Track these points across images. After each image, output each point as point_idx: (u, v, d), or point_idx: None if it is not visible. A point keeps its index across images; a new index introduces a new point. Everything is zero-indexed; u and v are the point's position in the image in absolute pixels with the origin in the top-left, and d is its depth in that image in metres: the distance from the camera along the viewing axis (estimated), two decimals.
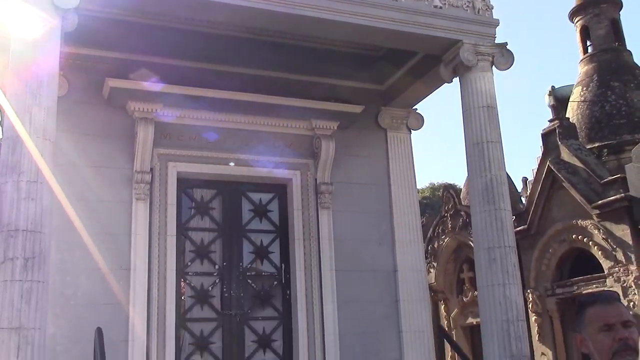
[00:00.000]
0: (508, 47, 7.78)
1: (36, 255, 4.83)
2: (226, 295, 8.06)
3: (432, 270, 15.01)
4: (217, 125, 8.21)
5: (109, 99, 7.67)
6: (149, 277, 7.46)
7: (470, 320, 14.60)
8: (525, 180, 17.36)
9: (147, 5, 7.02)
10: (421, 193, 27.92)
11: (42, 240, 4.91)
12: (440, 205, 18.25)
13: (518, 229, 11.97)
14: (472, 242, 13.65)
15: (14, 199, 4.91)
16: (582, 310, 2.57)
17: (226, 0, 6.68)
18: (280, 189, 8.64)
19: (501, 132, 7.63)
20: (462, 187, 17.93)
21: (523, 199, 15.46)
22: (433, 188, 32.59)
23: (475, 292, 13.71)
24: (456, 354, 13.48)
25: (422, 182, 33.94)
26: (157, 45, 7.97)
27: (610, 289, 10.85)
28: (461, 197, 15.41)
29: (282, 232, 8.53)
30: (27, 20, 5.74)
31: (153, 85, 7.60)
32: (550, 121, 13.55)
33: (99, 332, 5.43)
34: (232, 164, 8.21)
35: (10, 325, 4.57)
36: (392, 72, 9.11)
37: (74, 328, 6.97)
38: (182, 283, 7.90)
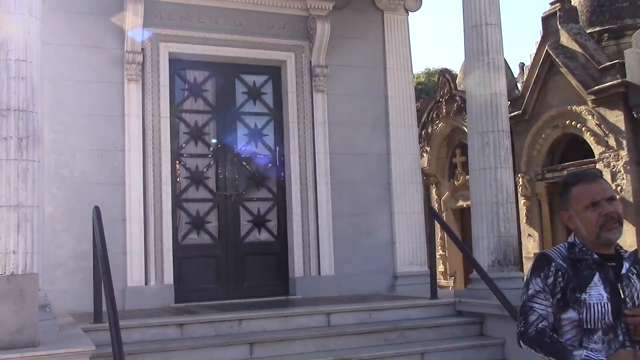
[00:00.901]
0: None
1: (29, 134, 4.81)
2: (221, 176, 8.16)
3: (425, 154, 15.14)
4: (209, 4, 7.97)
5: None
6: (144, 158, 7.51)
7: (460, 203, 14.93)
8: (522, 66, 17.13)
9: None
10: (416, 78, 27.65)
11: (34, 120, 4.87)
12: (435, 91, 18.11)
13: (512, 114, 11.95)
14: (465, 127, 13.71)
15: (4, 77, 4.81)
16: (567, 190, 2.63)
17: None
18: (274, 72, 8.53)
19: (501, 15, 7.44)
20: (457, 72, 17.70)
21: (519, 85, 15.34)
22: (428, 73, 32.21)
23: (467, 177, 13.94)
24: (445, 234, 13.90)
25: (418, 67, 33.49)
26: None
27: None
28: (457, 82, 15.25)
29: (277, 115, 8.51)
30: None
31: None
32: (551, 4, 13.17)
33: (97, 210, 5.53)
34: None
35: (8, 203, 4.63)
36: None
37: (72, 207, 7.11)
38: (177, 164, 7.97)
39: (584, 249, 2.55)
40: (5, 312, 3.58)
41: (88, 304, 5.97)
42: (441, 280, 14.30)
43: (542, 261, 2.58)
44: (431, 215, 7.73)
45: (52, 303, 5.36)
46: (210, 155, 8.19)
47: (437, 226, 8.73)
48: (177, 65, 8.00)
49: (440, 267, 14.78)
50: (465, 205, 14.58)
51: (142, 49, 7.58)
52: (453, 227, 13.84)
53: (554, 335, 2.49)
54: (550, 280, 2.51)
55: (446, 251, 15.10)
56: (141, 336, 5.73)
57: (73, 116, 7.21)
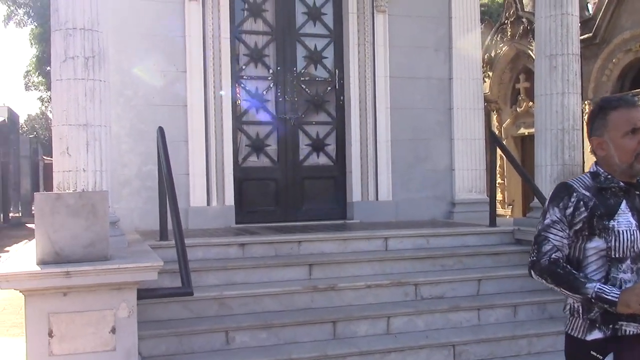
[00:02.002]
0: None
1: (95, 54, 4.87)
2: (280, 99, 8.13)
3: (486, 79, 14.72)
4: None
5: None
6: (205, 79, 7.52)
7: (522, 130, 14.58)
8: None
9: None
10: None
11: (99, 39, 4.92)
12: (500, 13, 17.36)
13: (582, 37, 11.39)
14: (531, 51, 13.21)
15: None
16: (604, 113, 2.50)
17: None
18: None
19: None
20: None
21: (590, 6, 14.57)
22: None
23: (530, 103, 13.55)
24: (505, 162, 13.67)
25: None
26: None
27: None
28: (524, 3, 14.58)
29: (337, 36, 8.34)
30: None
31: None
32: None
33: (161, 131, 5.61)
34: None
35: (77, 121, 4.74)
36: None
37: (136, 128, 7.25)
38: (237, 87, 7.97)
39: (609, 177, 2.47)
40: (78, 227, 3.72)
41: (153, 222, 6.17)
42: (499, 209, 14.18)
43: (562, 191, 2.48)
44: (492, 142, 7.56)
45: (119, 220, 5.56)
46: (270, 78, 8.14)
47: (497, 154, 8.54)
48: None
49: (498, 196, 14.63)
50: (527, 133, 14.24)
51: None
52: (514, 155, 13.58)
53: (567, 266, 2.43)
54: (569, 210, 2.43)
55: (505, 179, 14.89)
56: (204, 254, 5.91)
57: (136, 37, 7.23)
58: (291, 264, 5.86)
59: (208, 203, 7.53)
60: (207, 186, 7.52)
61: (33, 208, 15.41)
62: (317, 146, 8.30)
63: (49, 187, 23.85)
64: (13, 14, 25.06)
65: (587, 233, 2.42)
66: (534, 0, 7.93)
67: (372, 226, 7.35)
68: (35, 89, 28.71)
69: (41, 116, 48.79)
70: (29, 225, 22.36)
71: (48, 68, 24.05)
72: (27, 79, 28.38)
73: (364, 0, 8.20)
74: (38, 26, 24.37)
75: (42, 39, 23.60)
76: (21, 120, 38.68)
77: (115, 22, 6.87)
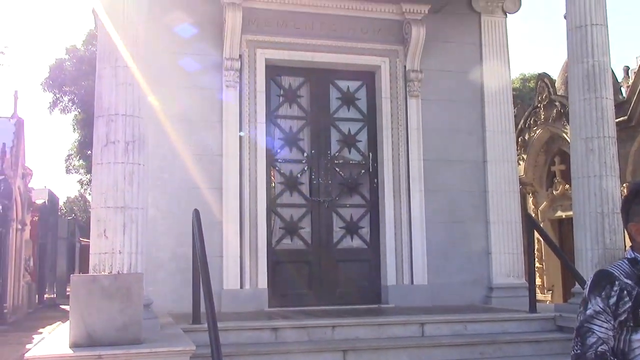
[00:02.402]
0: None
1: (135, 138, 5.01)
2: (315, 182, 8.19)
3: (521, 162, 14.64)
4: (305, 11, 8.04)
5: None
6: (240, 163, 7.65)
7: (559, 213, 14.34)
8: (627, 69, 16.33)
9: None
10: (511, 84, 26.80)
11: (140, 125, 5.07)
12: (532, 97, 17.50)
13: (617, 120, 11.33)
14: (566, 133, 13.17)
15: (113, 84, 5.04)
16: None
17: None
18: (368, 77, 8.49)
19: (607, 15, 7.09)
20: (555, 77, 17.04)
21: (623, 90, 14.59)
22: (523, 79, 31.20)
23: (567, 186, 13.38)
24: (543, 246, 13.38)
25: (512, 72, 32.41)
26: None
27: None
28: (556, 87, 14.68)
29: (370, 120, 8.46)
30: None
31: None
32: None
33: (196, 213, 5.66)
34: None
35: (115, 204, 4.82)
36: None
37: (172, 210, 7.33)
38: (271, 170, 8.07)
39: None
40: (112, 310, 3.71)
41: (186, 304, 6.12)
42: (538, 294, 13.75)
43: (603, 279, 2.36)
44: (529, 225, 7.44)
45: (153, 303, 5.53)
46: (304, 161, 8.24)
47: (535, 237, 8.38)
48: (273, 71, 8.11)
49: (537, 280, 14.23)
50: (564, 216, 13.99)
51: (240, 56, 7.74)
52: (551, 238, 13.29)
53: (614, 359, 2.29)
54: (613, 300, 2.30)
55: (544, 263, 14.53)
56: (237, 338, 5.81)
57: (174, 121, 7.44)
58: (325, 350, 5.72)
59: (241, 286, 7.48)
60: (240, 269, 7.49)
61: (68, 289, 15.41)
62: (351, 229, 8.27)
63: (84, 269, 24.07)
64: (59, 101, 26.16)
65: (632, 324, 2.30)
66: (566, 84, 8.00)
67: (407, 311, 7.18)
68: (75, 172, 29.54)
69: (80, 198, 49.88)
70: (63, 307, 22.45)
71: (89, 152, 24.79)
72: (68, 162, 29.28)
73: (397, 85, 8.35)
74: (81, 112, 25.34)
75: (85, 124, 24.47)
76: (60, 202, 39.60)
77: (155, 108, 7.09)
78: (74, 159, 28.62)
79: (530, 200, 15.17)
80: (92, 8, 8.96)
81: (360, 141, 8.47)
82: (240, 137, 7.65)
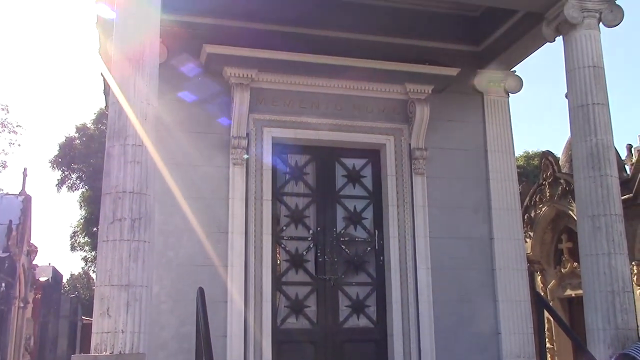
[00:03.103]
0: (617, 1, 7.30)
1: (142, 216, 5.03)
2: (320, 260, 8.13)
3: (528, 239, 14.57)
4: (311, 90, 8.21)
5: (206, 64, 7.82)
6: (246, 240, 7.62)
7: (568, 292, 14.12)
8: (630, 147, 16.48)
9: None
10: (516, 161, 26.97)
11: (147, 202, 5.10)
12: (536, 174, 17.60)
13: (623, 197, 11.35)
14: (572, 211, 13.15)
15: (121, 162, 5.11)
16: None
17: None
18: (373, 155, 8.57)
19: (608, 94, 7.22)
20: (559, 154, 17.20)
21: (627, 167, 14.68)
22: (527, 156, 31.49)
23: (575, 263, 13.24)
24: (554, 325, 13.10)
25: (516, 150, 32.70)
26: (252, 11, 8.03)
27: None
28: (560, 164, 14.79)
29: (376, 198, 8.48)
30: None
31: (249, 50, 7.68)
32: None
33: (201, 292, 5.61)
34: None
35: (120, 282, 4.79)
36: (490, 32, 8.76)
37: (177, 288, 7.25)
38: (277, 247, 8.03)
39: None
40: None
41: None
42: None
43: None
44: (539, 304, 7.34)
45: None
46: (309, 238, 8.21)
47: (545, 316, 8.22)
48: (280, 149, 8.21)
49: None
50: (574, 295, 13.78)
51: (247, 134, 7.86)
52: (562, 318, 13.04)
53: None
54: None
55: (555, 344, 14.19)
56: None
57: (181, 199, 7.47)
58: None
59: None
60: (244, 349, 7.33)
61: None
62: (357, 308, 8.14)
63: (86, 348, 23.61)
64: (67, 178, 26.45)
65: None
66: (570, 161, 8.06)
67: None
68: (80, 249, 29.50)
69: (84, 276, 49.60)
70: None
71: (95, 229, 24.86)
72: (73, 239, 29.29)
73: (402, 163, 8.42)
74: (89, 189, 25.57)
75: (91, 201, 24.66)
76: (64, 280, 39.29)
77: (162, 185, 7.14)
78: (80, 236, 28.66)
79: (538, 278, 14.99)
80: (103, 87, 9.21)
81: (366, 218, 8.46)
82: (246, 213, 7.64)
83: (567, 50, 7.31)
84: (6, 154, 27.01)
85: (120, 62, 5.70)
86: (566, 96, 7.53)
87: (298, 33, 8.16)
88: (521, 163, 30.16)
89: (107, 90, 8.55)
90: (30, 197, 21.01)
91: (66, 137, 27.49)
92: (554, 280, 14.59)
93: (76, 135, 27.48)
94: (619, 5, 7.28)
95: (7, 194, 22.67)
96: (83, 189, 26.98)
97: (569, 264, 13.93)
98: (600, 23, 7.30)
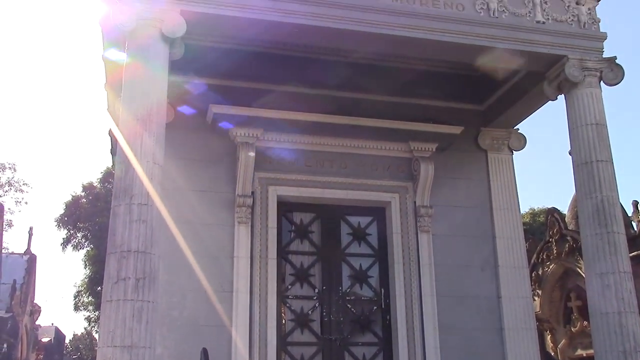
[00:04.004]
0: (617, 61, 7.41)
1: (146, 275, 5.00)
2: (326, 319, 8.02)
3: (536, 298, 14.35)
4: (316, 149, 8.28)
5: (212, 124, 7.92)
6: (251, 299, 7.55)
7: (579, 352, 13.81)
8: (635, 203, 16.40)
9: (248, 32, 7.18)
10: (521, 218, 26.86)
11: (152, 261, 5.08)
12: (542, 231, 17.51)
13: (631, 254, 11.24)
14: (580, 268, 13.00)
15: (127, 221, 5.12)
16: None
17: (322, 24, 6.76)
18: (379, 212, 8.57)
19: (611, 151, 7.25)
20: (565, 211, 17.15)
21: (634, 224, 14.59)
22: (533, 213, 31.36)
23: (585, 322, 13.00)
24: None
25: (522, 207, 32.60)
26: (257, 71, 8.18)
27: None
28: (566, 221, 14.71)
29: (381, 256, 8.43)
30: (137, 50, 6.03)
31: (254, 110, 7.79)
32: None
33: (205, 352, 5.53)
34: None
35: (122, 343, 4.72)
36: (492, 91, 8.88)
37: (180, 348, 7.14)
38: (282, 306, 7.94)
39: None
40: None
41: None
42: None
43: None
44: None
45: None
46: (315, 297, 8.13)
47: None
48: (285, 207, 8.22)
49: None
50: (585, 355, 13.47)
51: (252, 192, 7.88)
52: None
53: None
54: None
55: None
56: None
57: (185, 258, 7.44)
58: None
59: None
60: None
61: None
62: None
63: None
64: (72, 237, 26.42)
65: None
66: (576, 218, 8.03)
67: None
68: (84, 308, 29.19)
69: (86, 336, 48.91)
70: None
71: (99, 288, 24.67)
72: (77, 299, 29.02)
73: (407, 221, 8.40)
74: (94, 248, 25.50)
75: (96, 260, 24.55)
76: (67, 340, 38.76)
77: (168, 243, 7.12)
78: (84, 295, 28.40)
79: (548, 337, 14.69)
80: (110, 146, 9.31)
81: (372, 277, 8.39)
82: (251, 272, 7.59)
83: (569, 108, 7.40)
84: (12, 213, 27.09)
85: (129, 121, 5.79)
86: (570, 153, 7.58)
87: (303, 93, 8.29)
88: (527, 220, 30.03)
89: (114, 149, 8.63)
90: (35, 257, 20.97)
91: (72, 196, 27.61)
92: (564, 340, 14.29)
93: (83, 193, 27.62)
94: (619, 65, 7.40)
95: (12, 253, 22.64)
96: (88, 248, 26.92)
97: (579, 323, 13.68)
98: (601, 82, 7.39)
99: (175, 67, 6.67)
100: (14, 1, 51.58)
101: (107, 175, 26.30)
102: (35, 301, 22.38)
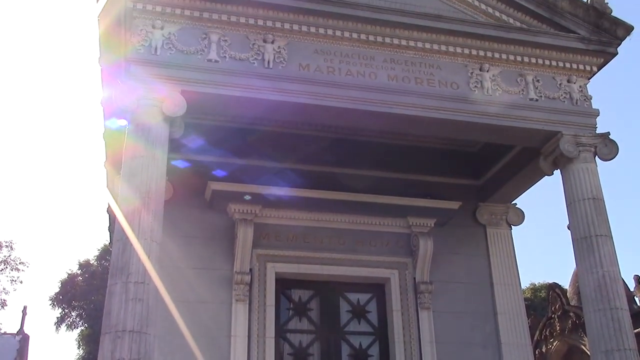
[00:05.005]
0: (611, 136, 7.52)
1: (141, 356, 4.88)
2: None
3: None
4: (314, 225, 8.27)
5: (211, 201, 7.94)
6: None
7: None
8: (637, 278, 16.25)
9: (247, 111, 7.31)
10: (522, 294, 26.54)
11: (147, 342, 4.97)
12: (544, 307, 17.27)
13: (635, 331, 11.05)
14: (584, 345, 12.73)
15: (122, 299, 5.04)
16: None
17: (322, 103, 6.90)
18: (378, 289, 8.47)
19: (610, 226, 7.24)
20: (566, 286, 16.97)
21: (637, 299, 14.42)
22: (534, 289, 31.01)
23: None
24: None
25: (522, 282, 32.29)
26: (256, 149, 8.27)
27: None
28: (569, 296, 14.53)
29: (382, 333, 8.27)
30: (138, 129, 6.11)
31: (253, 187, 7.83)
32: None
33: None
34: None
35: None
36: (489, 167, 8.97)
37: None
38: None
39: None
40: None
41: None
42: None
43: None
44: None
45: None
46: None
47: None
48: (283, 284, 8.13)
49: None
50: None
51: (251, 269, 7.81)
52: None
53: None
54: None
55: None
56: None
57: (182, 337, 7.27)
58: None
59: None
60: None
61: None
62: None
63: None
64: (66, 317, 25.95)
65: None
66: (578, 293, 7.92)
67: None
68: None
69: None
70: None
71: None
72: None
73: (407, 297, 8.29)
74: (88, 327, 25.01)
75: (90, 340, 24.04)
76: None
77: (162, 323, 6.98)
78: None
79: None
80: (108, 223, 9.29)
81: (372, 355, 8.20)
82: (249, 351, 7.41)
83: (565, 183, 7.44)
84: (7, 293, 26.66)
85: (128, 198, 5.80)
86: (568, 227, 7.57)
87: (301, 169, 8.36)
88: (528, 295, 29.66)
89: (112, 226, 8.62)
90: (28, 337, 20.52)
91: (68, 274, 27.31)
92: None
93: (79, 271, 27.35)
94: (613, 140, 7.50)
95: (5, 333, 22.16)
96: (82, 327, 26.40)
97: None
98: (596, 157, 7.47)
99: (175, 144, 6.75)
100: (15, 73, 52.83)
101: (104, 253, 26.13)
102: None
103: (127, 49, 6.65)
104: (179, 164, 7.80)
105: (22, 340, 19.88)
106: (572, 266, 15.41)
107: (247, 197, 7.79)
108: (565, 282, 17.23)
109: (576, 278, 14.81)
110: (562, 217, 7.45)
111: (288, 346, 8.00)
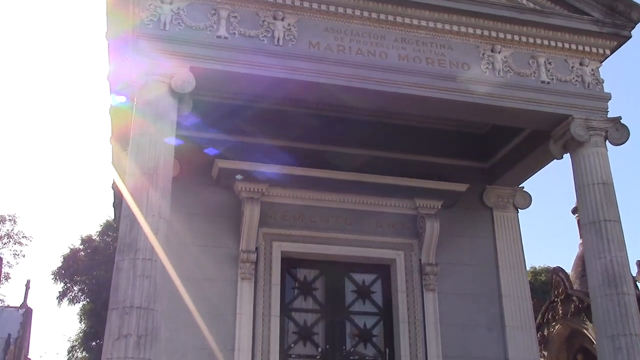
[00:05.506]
0: (622, 121, 7.44)
1: (148, 332, 4.88)
2: None
3: (542, 359, 14.05)
4: (320, 205, 8.24)
5: (218, 179, 7.90)
6: (252, 358, 7.35)
7: None
8: (639, 263, 16.26)
9: (255, 89, 7.25)
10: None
11: (154, 318, 4.96)
12: (545, 290, 17.29)
13: None
14: (586, 329, 12.76)
15: (130, 276, 5.03)
16: None
17: (329, 81, 6.83)
18: (383, 270, 8.46)
19: (619, 211, 7.19)
20: (569, 270, 16.97)
21: (639, 284, 14.42)
22: (534, 272, 31.06)
23: None
24: None
25: None
26: (263, 127, 8.21)
27: None
28: (572, 280, 14.52)
29: (386, 314, 8.28)
30: (146, 105, 6.05)
31: (259, 165, 7.78)
32: None
33: None
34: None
35: None
36: (497, 149, 8.91)
37: None
38: None
39: None
40: None
41: None
42: None
43: None
44: None
45: None
46: (318, 357, 7.95)
47: None
48: (289, 263, 8.12)
49: None
50: None
51: (257, 248, 7.79)
52: None
53: None
54: None
55: None
56: None
57: (188, 314, 7.28)
58: None
59: None
60: None
61: None
62: None
63: None
64: (68, 291, 26.06)
65: None
66: (580, 277, 7.91)
67: None
68: None
69: None
70: None
71: (93, 343, 24.19)
72: (71, 354, 28.39)
73: (412, 278, 8.28)
74: (90, 302, 25.12)
75: (92, 314, 24.13)
76: None
77: (169, 300, 6.97)
78: (78, 350, 27.80)
79: None
80: (113, 199, 9.26)
81: (376, 336, 8.22)
82: (254, 329, 7.41)
83: (575, 167, 7.38)
84: (10, 267, 26.77)
85: (135, 175, 5.76)
86: (572, 212, 7.53)
87: (309, 149, 8.30)
88: (529, 279, 29.72)
89: (117, 202, 8.60)
90: (31, 310, 20.67)
91: (70, 249, 27.36)
92: None
93: (81, 246, 27.39)
94: (624, 125, 7.42)
95: (8, 306, 22.30)
96: (84, 302, 26.52)
97: None
98: (607, 141, 7.40)
99: (182, 122, 6.69)
100: (19, 48, 52.57)
101: (107, 228, 26.13)
102: (29, 356, 21.91)
103: (135, 24, 6.56)
104: (187, 140, 7.74)
105: (25, 313, 20.02)
106: (572, 251, 15.31)
107: (239, 177, 7.72)
108: (565, 266, 17.23)
109: (579, 262, 14.80)
110: (565, 201, 7.41)
111: (293, 324, 8.02)
